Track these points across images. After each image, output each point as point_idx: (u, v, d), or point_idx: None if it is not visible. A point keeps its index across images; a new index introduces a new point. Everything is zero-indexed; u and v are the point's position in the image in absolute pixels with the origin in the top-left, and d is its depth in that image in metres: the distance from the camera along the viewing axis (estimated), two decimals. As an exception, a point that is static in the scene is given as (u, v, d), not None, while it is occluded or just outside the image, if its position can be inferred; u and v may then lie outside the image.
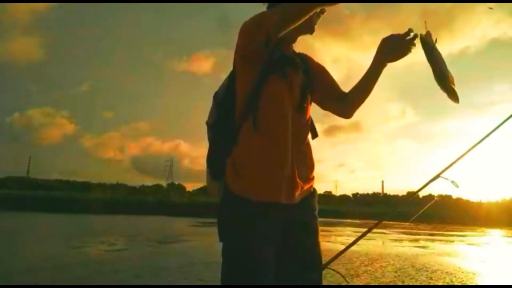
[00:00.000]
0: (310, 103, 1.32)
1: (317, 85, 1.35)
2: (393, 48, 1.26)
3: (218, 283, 1.14)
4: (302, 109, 1.25)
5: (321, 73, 1.38)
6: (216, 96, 1.34)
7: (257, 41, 1.14)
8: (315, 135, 1.35)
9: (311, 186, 1.27)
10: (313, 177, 1.29)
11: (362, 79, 1.32)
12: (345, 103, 1.37)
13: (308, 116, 1.29)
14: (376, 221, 1.65)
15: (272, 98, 1.18)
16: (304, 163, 1.23)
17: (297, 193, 1.19)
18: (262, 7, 1.28)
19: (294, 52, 1.35)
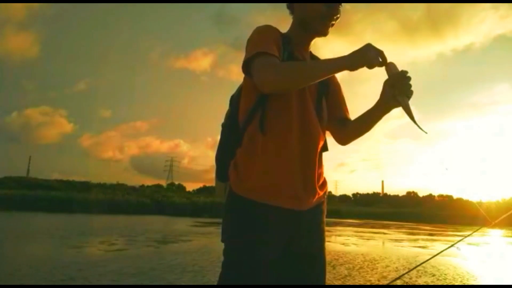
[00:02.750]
0: (327, 107, 1.28)
1: (329, 98, 1.31)
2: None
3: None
4: (319, 116, 1.22)
5: (335, 89, 1.35)
6: (231, 99, 1.33)
7: (243, 69, 1.16)
8: (325, 149, 1.30)
9: (322, 195, 1.25)
10: (324, 184, 1.26)
11: (365, 116, 1.25)
12: (345, 130, 1.31)
13: (323, 124, 1.25)
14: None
15: (279, 100, 1.16)
16: (313, 172, 1.19)
17: (302, 200, 1.17)
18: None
19: (311, 55, 1.32)
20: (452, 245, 1.74)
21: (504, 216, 1.59)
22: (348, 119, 1.33)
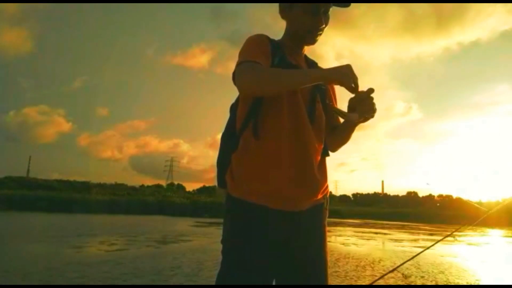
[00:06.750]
0: (323, 114, 1.28)
1: (326, 104, 1.32)
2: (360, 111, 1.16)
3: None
4: (311, 119, 1.22)
5: (332, 96, 1.36)
6: (231, 107, 1.35)
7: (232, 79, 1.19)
8: (325, 154, 1.30)
9: (321, 197, 1.25)
10: (326, 187, 1.26)
11: (341, 128, 1.31)
12: (333, 138, 1.33)
13: (320, 127, 1.26)
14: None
15: (273, 106, 1.18)
16: (309, 175, 1.19)
17: (298, 202, 1.17)
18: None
19: (306, 59, 1.34)
20: (437, 241, 1.74)
21: (491, 211, 1.59)
22: (338, 126, 1.35)
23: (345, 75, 1.05)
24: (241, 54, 1.19)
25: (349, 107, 1.15)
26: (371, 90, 1.09)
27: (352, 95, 1.12)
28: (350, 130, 1.28)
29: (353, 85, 1.07)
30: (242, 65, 1.14)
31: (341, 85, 1.07)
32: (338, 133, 1.32)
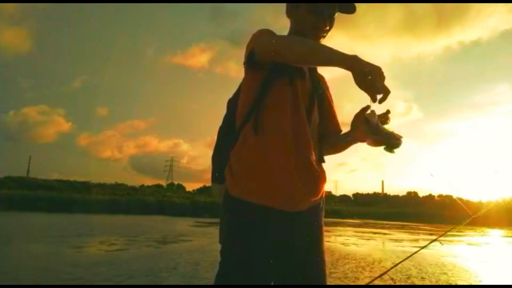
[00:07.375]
0: (318, 118, 1.27)
1: (323, 109, 1.32)
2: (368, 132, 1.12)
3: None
4: (308, 121, 1.22)
5: (330, 102, 1.36)
6: (229, 102, 1.34)
7: (246, 57, 1.18)
8: (321, 160, 1.28)
9: (319, 198, 1.24)
10: (323, 189, 1.26)
11: (341, 140, 1.31)
12: (326, 143, 1.32)
13: (314, 130, 1.25)
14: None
15: (276, 103, 1.17)
16: (309, 174, 1.19)
17: (297, 202, 1.17)
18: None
19: None
20: (429, 243, 1.73)
21: (484, 211, 1.59)
22: (337, 131, 1.35)
23: (374, 73, 0.96)
24: (252, 40, 1.18)
25: (359, 127, 1.13)
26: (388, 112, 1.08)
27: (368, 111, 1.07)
28: (348, 145, 1.28)
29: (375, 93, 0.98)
30: (263, 35, 1.16)
31: (363, 83, 0.98)
32: (336, 144, 1.31)
